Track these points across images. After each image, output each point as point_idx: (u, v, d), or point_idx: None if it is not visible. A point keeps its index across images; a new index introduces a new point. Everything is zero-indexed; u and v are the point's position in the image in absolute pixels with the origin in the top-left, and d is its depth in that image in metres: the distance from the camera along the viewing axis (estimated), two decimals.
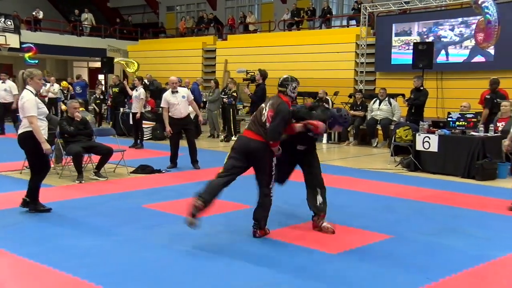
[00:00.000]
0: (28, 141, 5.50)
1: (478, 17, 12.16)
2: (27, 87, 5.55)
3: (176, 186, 7.37)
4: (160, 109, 14.56)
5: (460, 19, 14.15)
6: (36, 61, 19.25)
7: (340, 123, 5.12)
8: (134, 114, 11.51)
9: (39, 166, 5.67)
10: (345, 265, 4.18)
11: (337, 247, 4.57)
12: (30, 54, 18.37)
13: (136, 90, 11.57)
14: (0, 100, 14.22)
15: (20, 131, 5.61)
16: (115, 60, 18.54)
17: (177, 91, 8.71)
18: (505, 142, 6.69)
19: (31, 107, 5.43)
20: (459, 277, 3.98)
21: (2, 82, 14.39)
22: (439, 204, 6.48)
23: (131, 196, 6.70)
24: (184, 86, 15.22)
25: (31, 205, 5.70)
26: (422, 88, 11.18)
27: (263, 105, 4.90)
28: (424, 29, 14.82)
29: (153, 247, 4.59)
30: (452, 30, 14.29)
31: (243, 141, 4.82)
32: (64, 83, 16.98)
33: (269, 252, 4.49)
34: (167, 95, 8.70)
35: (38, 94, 5.77)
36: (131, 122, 12.43)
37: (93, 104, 15.84)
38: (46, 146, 5.48)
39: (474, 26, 13.16)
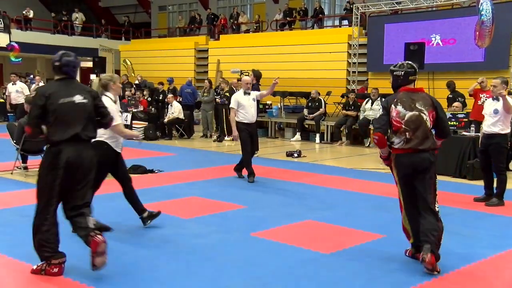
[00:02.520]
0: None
1: (468, 17, 12.23)
2: (107, 93, 4.93)
3: (168, 187, 7.34)
4: (153, 109, 14.59)
5: (451, 20, 14.22)
6: (19, 60, 19.09)
7: None
8: None
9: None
10: (338, 265, 4.18)
11: (330, 247, 4.57)
12: (13, 53, 18.20)
13: None
14: (12, 101, 14.31)
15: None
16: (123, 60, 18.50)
17: (249, 93, 7.74)
18: None
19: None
20: (451, 276, 4.00)
21: (13, 84, 14.49)
22: None
23: (123, 197, 6.65)
24: (173, 87, 15.19)
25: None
26: None
27: (406, 113, 4.31)
28: (415, 30, 14.88)
29: (145, 248, 4.57)
30: (443, 30, 14.36)
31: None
32: None
33: (262, 252, 4.48)
34: (238, 96, 7.74)
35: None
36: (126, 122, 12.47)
37: None
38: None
39: (465, 27, 13.26)
